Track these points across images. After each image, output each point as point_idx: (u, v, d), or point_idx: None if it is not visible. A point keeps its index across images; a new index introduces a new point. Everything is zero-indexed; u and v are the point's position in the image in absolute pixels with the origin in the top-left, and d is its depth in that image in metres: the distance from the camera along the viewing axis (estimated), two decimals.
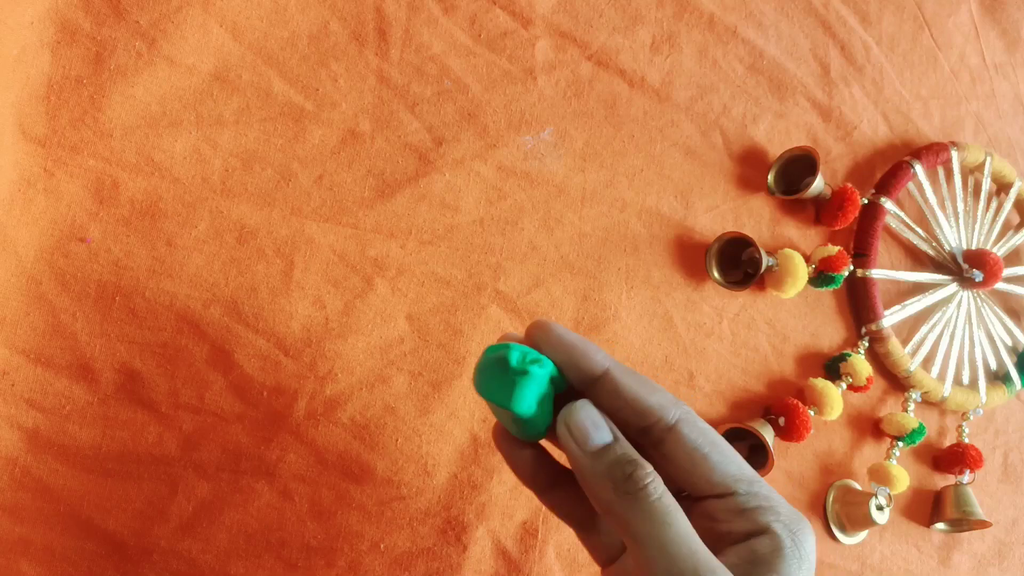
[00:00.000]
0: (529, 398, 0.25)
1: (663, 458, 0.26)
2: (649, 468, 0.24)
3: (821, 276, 0.43)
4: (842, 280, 0.44)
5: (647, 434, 0.26)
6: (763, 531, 0.24)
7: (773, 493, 0.25)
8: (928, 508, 0.48)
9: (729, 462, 0.26)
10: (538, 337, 0.26)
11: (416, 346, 0.37)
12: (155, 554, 0.32)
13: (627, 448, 0.25)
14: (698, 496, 0.26)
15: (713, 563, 0.22)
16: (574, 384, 0.26)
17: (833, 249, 0.43)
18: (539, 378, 0.25)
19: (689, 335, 0.42)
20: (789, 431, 0.42)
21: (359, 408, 0.36)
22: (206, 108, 0.35)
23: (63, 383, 0.32)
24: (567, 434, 0.25)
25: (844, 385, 0.44)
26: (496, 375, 0.25)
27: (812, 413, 0.43)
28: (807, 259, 0.43)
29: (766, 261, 0.42)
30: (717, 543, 0.24)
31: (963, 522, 0.47)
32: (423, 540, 0.36)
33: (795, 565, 0.23)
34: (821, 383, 0.43)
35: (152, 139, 0.34)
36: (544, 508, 0.36)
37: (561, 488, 0.29)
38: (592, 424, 0.25)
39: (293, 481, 0.34)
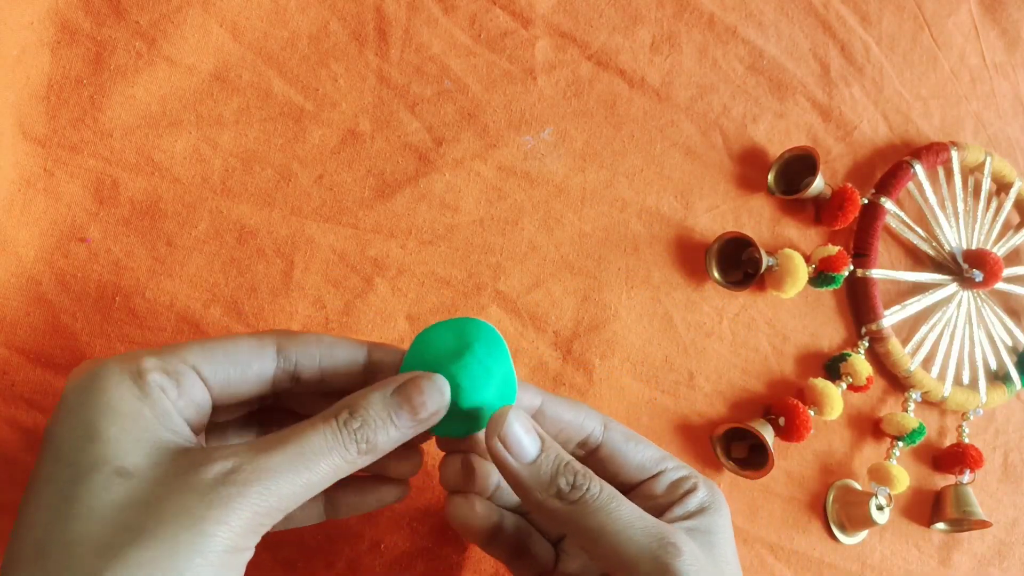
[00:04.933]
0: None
1: (598, 461, 0.30)
2: (581, 467, 0.27)
3: (821, 276, 0.43)
4: (842, 280, 0.44)
5: (581, 446, 0.30)
6: (691, 491, 0.29)
7: (683, 463, 0.31)
8: (928, 508, 0.48)
9: (651, 448, 0.30)
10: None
11: None
12: None
13: (559, 451, 0.27)
14: (635, 483, 0.30)
15: (664, 527, 0.26)
16: None
17: (833, 249, 0.43)
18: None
19: (689, 335, 0.42)
20: (789, 431, 0.42)
21: None
22: (206, 108, 0.35)
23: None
24: (501, 448, 0.26)
25: (844, 385, 0.44)
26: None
27: (812, 413, 0.43)
28: (807, 259, 0.43)
29: (766, 261, 0.42)
30: (659, 515, 0.28)
31: (963, 522, 0.47)
32: (423, 540, 0.36)
33: (715, 508, 0.29)
34: (821, 383, 0.43)
35: (152, 139, 0.34)
36: None
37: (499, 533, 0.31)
38: (525, 433, 0.26)
39: None
